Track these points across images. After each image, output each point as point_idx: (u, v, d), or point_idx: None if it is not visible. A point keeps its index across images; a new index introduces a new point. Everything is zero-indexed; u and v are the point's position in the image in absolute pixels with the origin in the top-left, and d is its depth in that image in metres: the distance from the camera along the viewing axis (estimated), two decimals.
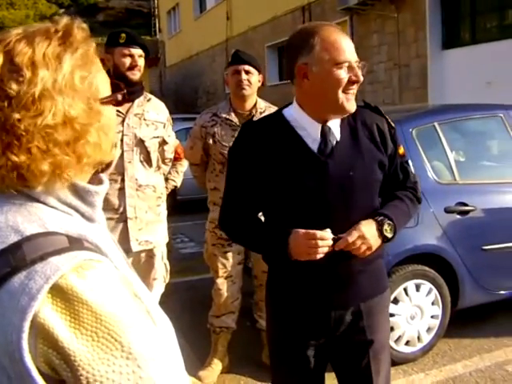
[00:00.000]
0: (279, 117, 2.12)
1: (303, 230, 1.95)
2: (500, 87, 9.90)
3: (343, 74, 1.95)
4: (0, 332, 0.82)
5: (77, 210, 0.98)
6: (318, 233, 1.92)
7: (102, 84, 1.01)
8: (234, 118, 3.72)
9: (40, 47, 0.92)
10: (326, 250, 1.93)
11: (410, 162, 2.27)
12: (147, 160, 3.35)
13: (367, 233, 1.99)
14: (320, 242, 1.92)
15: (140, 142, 3.30)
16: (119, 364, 0.83)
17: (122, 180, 3.24)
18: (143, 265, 3.38)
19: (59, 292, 0.83)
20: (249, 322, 4.21)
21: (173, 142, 3.65)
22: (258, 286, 3.91)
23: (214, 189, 3.80)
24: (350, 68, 1.96)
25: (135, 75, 3.29)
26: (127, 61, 3.27)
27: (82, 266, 0.85)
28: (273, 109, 3.69)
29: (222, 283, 3.83)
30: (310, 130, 2.04)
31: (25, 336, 0.80)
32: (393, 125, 2.17)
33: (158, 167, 3.49)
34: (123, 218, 3.26)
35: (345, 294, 2.10)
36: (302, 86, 2.01)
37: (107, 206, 3.12)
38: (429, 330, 4.13)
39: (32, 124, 0.89)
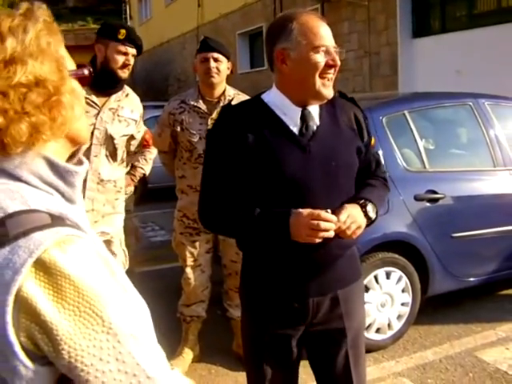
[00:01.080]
0: (258, 101, 2.10)
1: (307, 210, 1.90)
2: (469, 76, 9.98)
3: (320, 58, 1.96)
4: None
5: (57, 190, 1.01)
6: (323, 214, 1.89)
7: (67, 56, 1.07)
8: (202, 105, 3.67)
9: (5, 22, 0.98)
10: (328, 234, 1.89)
11: (380, 152, 2.33)
12: (113, 155, 3.31)
13: (354, 213, 2.00)
14: (323, 224, 1.87)
15: (109, 138, 3.25)
16: (100, 339, 0.86)
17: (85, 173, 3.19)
18: None
19: (42, 266, 0.85)
20: (219, 310, 4.19)
21: (140, 136, 3.63)
22: (227, 275, 3.89)
23: (182, 177, 3.76)
24: (327, 52, 1.98)
25: (125, 73, 3.27)
26: (121, 59, 3.21)
27: (64, 241, 0.88)
28: (242, 96, 3.65)
29: (190, 272, 3.79)
30: (290, 114, 2.05)
31: (9, 310, 0.82)
32: (366, 116, 2.22)
33: (122, 161, 3.45)
34: None
35: (323, 280, 2.09)
36: (281, 70, 2.02)
37: None
38: (399, 317, 4.15)
39: (6, 85, 0.94)
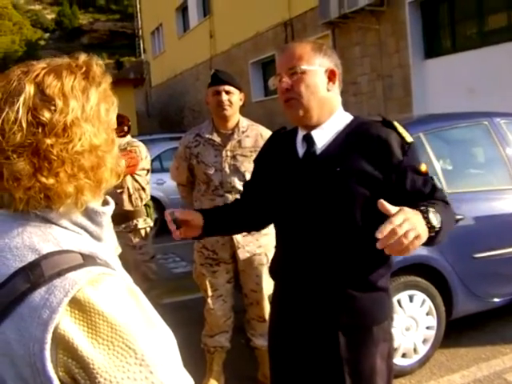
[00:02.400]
0: (296, 128, 2.21)
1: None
2: (482, 94, 9.98)
3: (277, 85, 2.08)
4: (21, 345, 0.88)
5: (86, 230, 1.05)
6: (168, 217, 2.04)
7: (114, 119, 1.12)
8: (216, 137, 3.71)
9: (68, 80, 1.01)
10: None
11: (435, 177, 2.06)
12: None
13: (413, 217, 1.62)
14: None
15: None
16: (133, 370, 0.90)
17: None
18: None
19: (77, 304, 0.89)
20: (243, 339, 4.17)
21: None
22: (248, 304, 3.88)
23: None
24: (279, 77, 2.06)
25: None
26: None
27: (96, 280, 0.92)
28: (256, 126, 3.68)
29: (213, 302, 3.79)
30: (299, 139, 2.13)
31: (47, 347, 0.86)
32: (408, 140, 1.98)
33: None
34: None
35: (323, 319, 2.05)
36: None
37: None
38: (425, 341, 4.11)
39: (64, 150, 0.98)
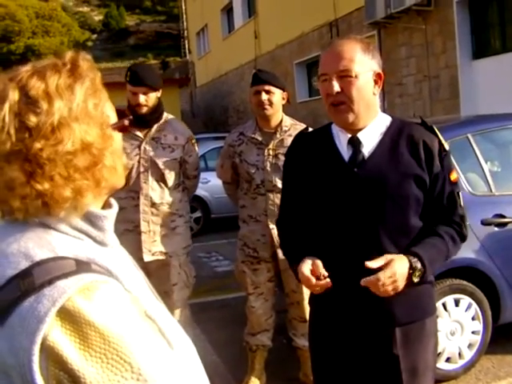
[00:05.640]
0: (326, 129, 2.17)
1: (304, 265, 1.97)
2: None
3: (323, 86, 2.01)
4: (13, 355, 0.84)
5: (87, 235, 1.01)
6: (306, 276, 1.95)
7: (110, 111, 1.07)
8: (259, 136, 3.73)
9: (52, 80, 0.97)
10: (319, 288, 1.96)
11: (460, 194, 2.12)
12: (163, 180, 3.60)
13: (398, 273, 1.87)
14: (314, 284, 1.95)
15: (154, 164, 3.56)
16: None
17: (138, 198, 3.54)
18: (160, 273, 3.59)
19: (67, 314, 0.85)
20: (285, 339, 4.17)
21: (193, 160, 3.80)
22: (289, 304, 3.88)
23: (243, 206, 3.82)
24: (327, 78, 2.00)
25: (142, 110, 3.53)
26: (132, 98, 3.54)
27: (88, 288, 0.88)
28: (299, 126, 3.66)
29: (253, 300, 3.82)
30: (342, 142, 2.07)
31: (35, 359, 0.82)
32: (446, 147, 2.06)
33: (178, 185, 3.69)
34: (138, 231, 3.56)
35: (377, 316, 2.03)
36: None
37: (126, 219, 3.48)
38: (470, 346, 4.03)
39: (53, 152, 0.94)
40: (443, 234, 2.04)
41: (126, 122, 1.10)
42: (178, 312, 3.65)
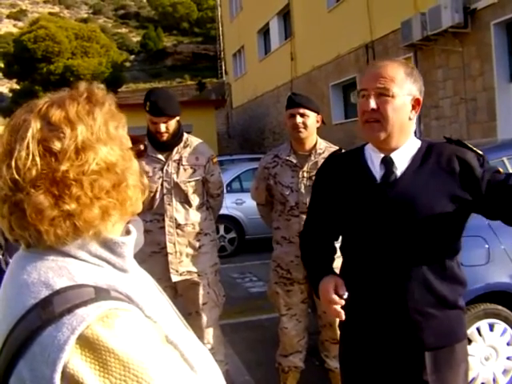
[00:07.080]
0: (359, 150, 2.19)
1: (326, 283, 2.00)
2: None
3: (361, 103, 2.03)
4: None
5: (107, 262, 1.03)
6: (330, 294, 1.96)
7: (126, 136, 1.11)
8: (293, 159, 3.78)
9: (71, 107, 1.01)
10: (337, 311, 1.96)
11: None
12: (186, 201, 3.70)
13: None
14: (332, 307, 1.97)
15: (177, 186, 3.65)
16: None
17: (163, 220, 3.62)
18: (189, 292, 3.67)
19: (86, 342, 0.86)
20: (317, 361, 4.18)
21: (216, 178, 3.88)
22: (322, 325, 3.88)
23: (277, 228, 3.85)
24: (366, 94, 2.01)
25: (163, 137, 3.62)
26: (152, 127, 3.64)
27: (107, 316, 0.89)
28: (333, 149, 3.70)
29: (286, 321, 3.84)
30: (374, 162, 2.08)
31: None
32: (480, 152, 2.04)
33: (202, 204, 3.77)
34: (165, 253, 3.63)
35: (406, 339, 2.03)
36: None
37: (152, 241, 3.57)
38: (505, 372, 3.97)
39: (79, 172, 0.97)
40: None
41: (142, 147, 1.16)
42: (209, 331, 3.70)
